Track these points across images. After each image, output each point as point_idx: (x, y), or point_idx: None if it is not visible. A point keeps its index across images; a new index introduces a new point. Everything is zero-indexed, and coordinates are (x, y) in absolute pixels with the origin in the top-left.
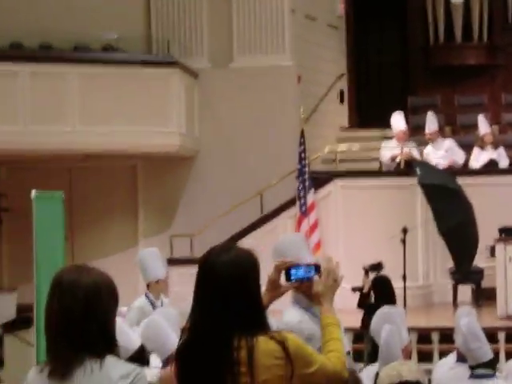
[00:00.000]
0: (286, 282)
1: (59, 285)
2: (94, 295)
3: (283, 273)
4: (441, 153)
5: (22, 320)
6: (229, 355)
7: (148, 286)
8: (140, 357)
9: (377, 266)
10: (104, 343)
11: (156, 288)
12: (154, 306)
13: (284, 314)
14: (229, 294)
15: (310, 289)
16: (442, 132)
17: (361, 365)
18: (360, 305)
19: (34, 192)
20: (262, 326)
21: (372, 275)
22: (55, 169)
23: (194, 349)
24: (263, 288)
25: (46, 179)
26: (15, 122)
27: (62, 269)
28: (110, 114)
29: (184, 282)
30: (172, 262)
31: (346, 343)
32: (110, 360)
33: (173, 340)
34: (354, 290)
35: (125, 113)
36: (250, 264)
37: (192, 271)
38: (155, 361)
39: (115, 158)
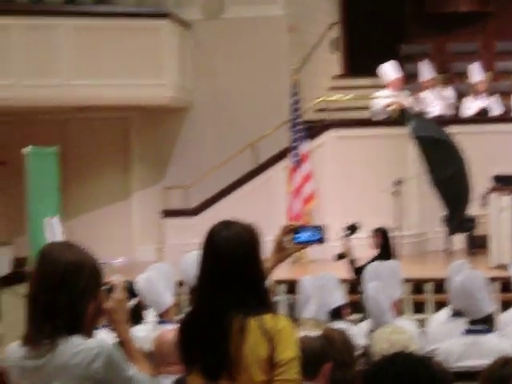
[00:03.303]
0: (293, 244)
1: (43, 256)
2: (73, 272)
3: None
4: (438, 102)
5: (18, 274)
6: (222, 332)
7: None
8: (135, 313)
9: (352, 227)
10: (72, 320)
11: None
12: None
13: None
14: (228, 271)
15: None
16: (435, 81)
17: (358, 315)
18: (356, 272)
19: (27, 148)
20: (258, 305)
21: (349, 237)
22: (49, 121)
23: (194, 322)
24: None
25: (39, 132)
26: (8, 76)
27: (51, 243)
28: (102, 67)
29: (178, 234)
30: (166, 213)
31: (341, 297)
32: (76, 338)
33: (167, 296)
34: (339, 257)
35: (117, 65)
36: (250, 240)
37: (186, 223)
38: (149, 316)
39: (108, 110)
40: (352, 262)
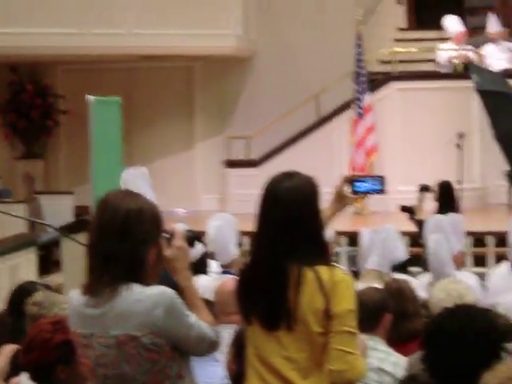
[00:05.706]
0: (352, 193)
1: (104, 204)
2: (134, 219)
3: (349, 185)
4: (504, 55)
5: (79, 223)
6: (280, 282)
7: None
8: (200, 263)
9: (425, 188)
10: (133, 268)
11: None
12: None
13: None
14: (288, 221)
15: None
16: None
17: (418, 269)
18: (418, 225)
19: (90, 97)
20: (316, 257)
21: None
22: (112, 70)
23: (253, 272)
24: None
25: (103, 80)
26: (73, 25)
27: (112, 191)
28: (167, 16)
29: (240, 184)
30: (229, 163)
31: (403, 249)
32: (137, 286)
33: (233, 246)
34: (405, 210)
35: (182, 15)
36: (310, 192)
37: (248, 173)
38: (214, 266)
39: (172, 60)
40: (415, 218)
